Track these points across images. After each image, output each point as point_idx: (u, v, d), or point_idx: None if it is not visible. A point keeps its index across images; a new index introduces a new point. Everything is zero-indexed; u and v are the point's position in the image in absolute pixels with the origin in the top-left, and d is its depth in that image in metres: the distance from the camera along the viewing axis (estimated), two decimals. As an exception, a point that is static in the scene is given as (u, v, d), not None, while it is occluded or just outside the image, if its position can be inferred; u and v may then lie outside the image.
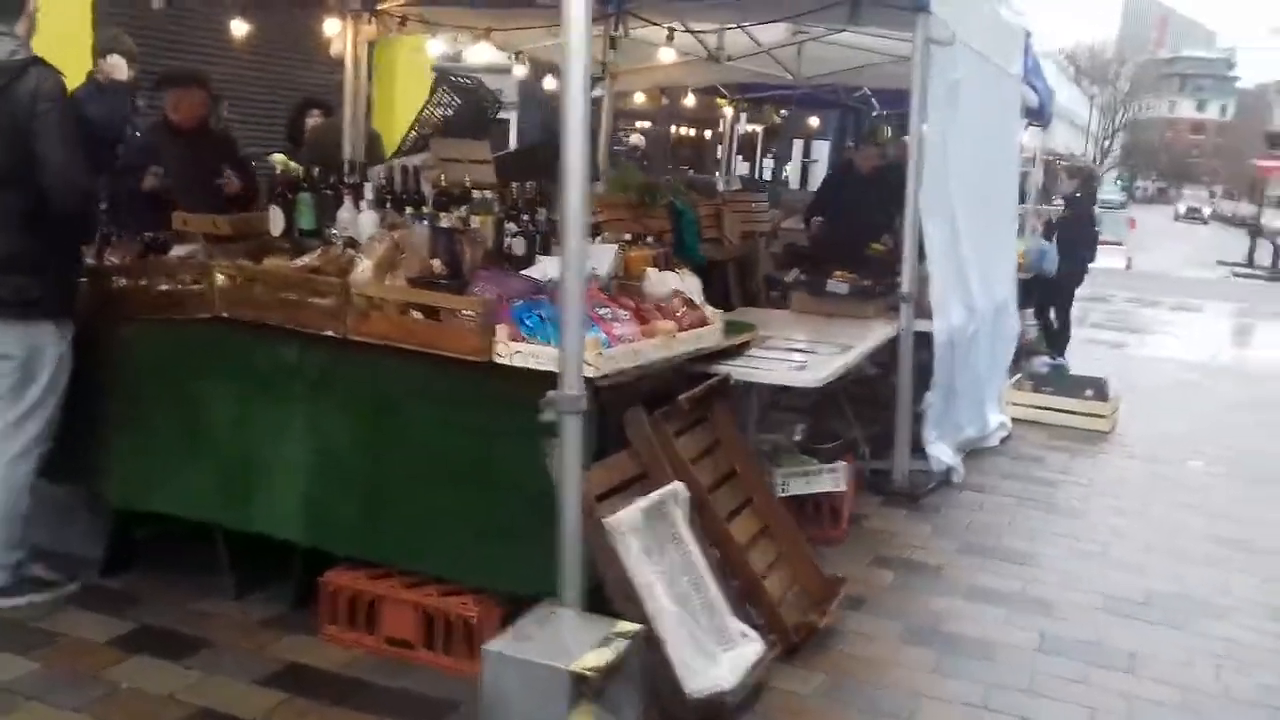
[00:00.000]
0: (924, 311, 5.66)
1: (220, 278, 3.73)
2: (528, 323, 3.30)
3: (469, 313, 3.41)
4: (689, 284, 4.22)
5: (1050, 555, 5.03)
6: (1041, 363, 8.19)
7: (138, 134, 5.50)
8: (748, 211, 9.02)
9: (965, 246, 6.17)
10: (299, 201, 4.63)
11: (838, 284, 5.86)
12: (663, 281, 4.10)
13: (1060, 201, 10.64)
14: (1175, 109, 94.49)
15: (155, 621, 3.74)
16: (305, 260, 4.06)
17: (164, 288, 3.88)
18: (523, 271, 3.90)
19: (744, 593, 3.73)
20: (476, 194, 4.48)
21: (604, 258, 4.03)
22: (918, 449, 5.76)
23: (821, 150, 16.37)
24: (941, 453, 5.95)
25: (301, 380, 3.67)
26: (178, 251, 4.35)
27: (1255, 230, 32.48)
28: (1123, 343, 13.03)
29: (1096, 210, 10.72)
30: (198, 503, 3.84)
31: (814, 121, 13.60)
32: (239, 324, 3.70)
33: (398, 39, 9.24)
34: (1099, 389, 7.77)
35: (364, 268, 3.81)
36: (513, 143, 14.88)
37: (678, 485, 3.58)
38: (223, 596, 3.95)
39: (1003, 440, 6.99)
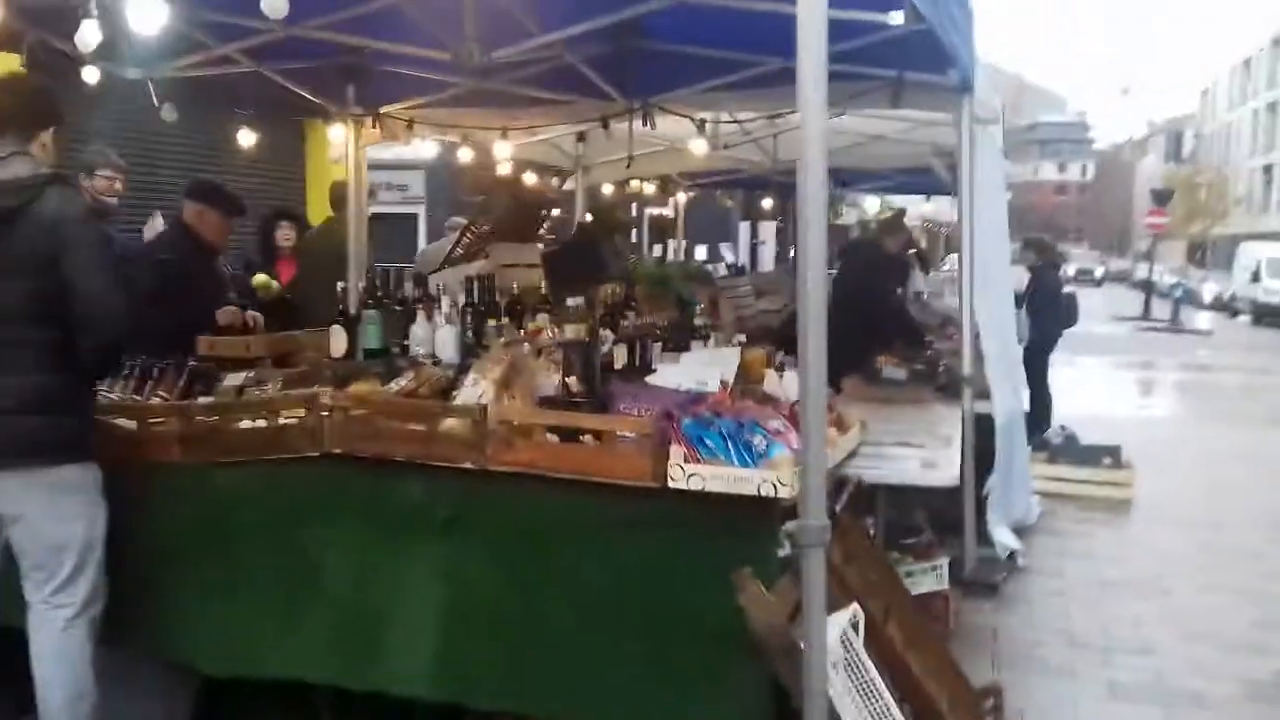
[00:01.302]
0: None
1: (331, 410, 3.36)
2: (708, 443, 3.01)
3: (628, 434, 3.11)
4: (789, 383, 3.98)
5: (1164, 640, 4.87)
6: (1055, 433, 8.15)
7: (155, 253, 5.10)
8: (737, 297, 8.91)
9: (1006, 325, 6.10)
10: (365, 320, 4.29)
11: (893, 369, 5.70)
12: (784, 383, 3.85)
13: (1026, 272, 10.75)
14: (1038, 172, 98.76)
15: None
16: (402, 383, 3.73)
17: (259, 424, 3.48)
18: (651, 381, 3.62)
19: (919, 716, 3.45)
20: (570, 302, 4.18)
21: (730, 362, 3.78)
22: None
23: (769, 231, 16.49)
24: (1006, 537, 5.80)
25: (429, 519, 3.29)
26: (231, 381, 3.97)
27: (1148, 286, 33.85)
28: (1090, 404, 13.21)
29: (1062, 276, 10.87)
30: (309, 664, 3.40)
31: (766, 204, 13.63)
32: (352, 461, 3.33)
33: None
34: (1115, 456, 7.74)
35: (481, 390, 3.49)
36: (422, 240, 14.48)
37: (855, 606, 3.30)
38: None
39: (1039, 517, 6.88)
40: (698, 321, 4.04)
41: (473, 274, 4.63)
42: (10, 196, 3.16)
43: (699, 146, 6.17)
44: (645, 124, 5.67)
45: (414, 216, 15.64)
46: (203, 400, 3.64)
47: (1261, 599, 5.52)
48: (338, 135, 6.21)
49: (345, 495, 3.37)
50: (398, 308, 4.35)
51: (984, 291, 5.60)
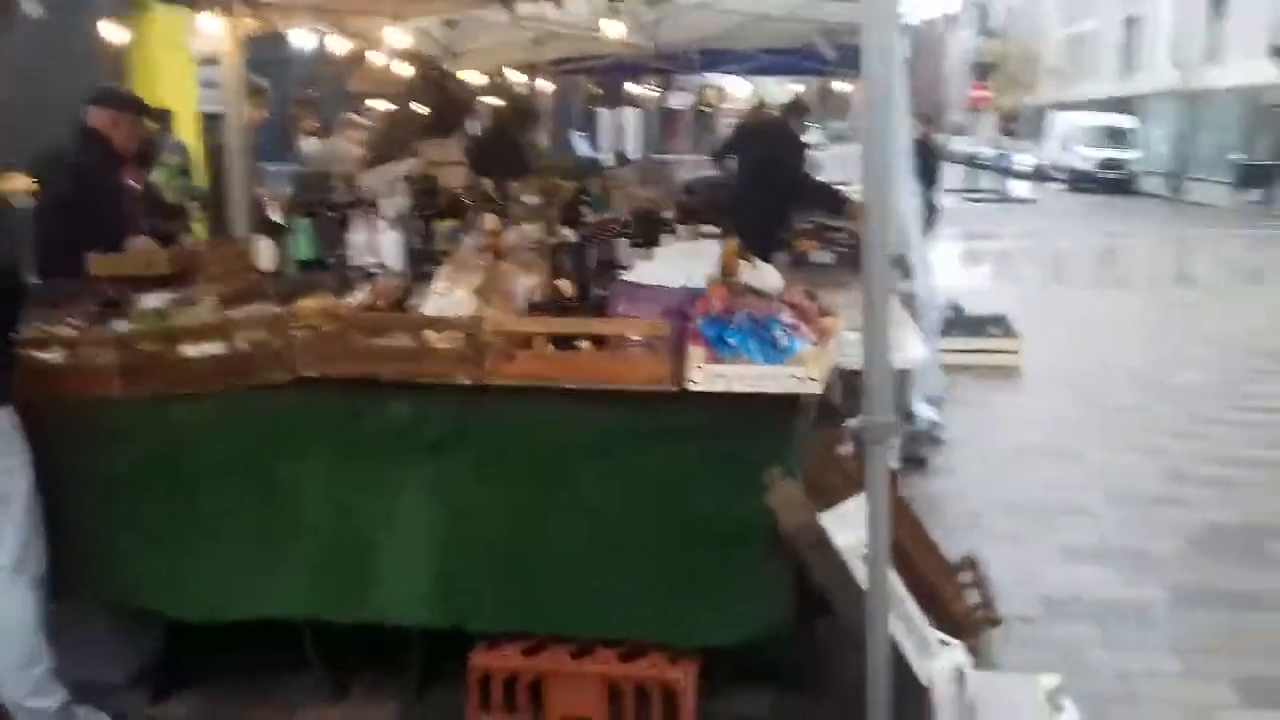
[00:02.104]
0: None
1: (301, 331, 3.07)
2: (729, 341, 2.88)
3: (642, 338, 2.96)
4: (766, 273, 3.88)
5: (1094, 502, 5.09)
6: (944, 306, 8.33)
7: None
8: (622, 186, 8.70)
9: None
10: (296, 229, 3.96)
11: (819, 253, 5.66)
12: (765, 276, 3.73)
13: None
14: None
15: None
16: (359, 297, 3.46)
17: (211, 350, 3.16)
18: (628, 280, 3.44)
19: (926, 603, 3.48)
20: (526, 199, 3.94)
21: (708, 255, 3.61)
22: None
23: (633, 119, 16.13)
24: (926, 411, 5.92)
25: (419, 441, 3.07)
26: (149, 303, 3.60)
27: (970, 159, 35.02)
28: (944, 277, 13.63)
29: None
30: (292, 601, 3.17)
31: (633, 89, 13.30)
32: (327, 385, 3.07)
33: (150, 32, 8.38)
34: (1003, 325, 7.99)
35: (458, 299, 3.26)
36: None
37: (862, 499, 3.27)
38: (322, 702, 3.33)
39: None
40: (665, 214, 3.86)
41: (405, 174, 4.32)
42: None
43: (614, 29, 5.87)
44: (555, 2, 5.33)
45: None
46: (142, 326, 3.27)
47: (1162, 455, 5.82)
48: (210, 26, 5.63)
49: (321, 422, 3.11)
50: (330, 214, 4.02)
51: (895, 171, 5.58)
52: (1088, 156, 33.78)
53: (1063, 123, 36.74)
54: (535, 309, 3.26)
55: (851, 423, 2.53)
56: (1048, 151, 37.31)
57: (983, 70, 32.60)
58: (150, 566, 3.16)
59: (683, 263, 3.54)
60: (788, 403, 2.90)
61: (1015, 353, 7.84)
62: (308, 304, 3.40)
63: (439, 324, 3.03)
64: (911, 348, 4.14)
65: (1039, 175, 37.41)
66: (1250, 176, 29.75)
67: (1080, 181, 33.46)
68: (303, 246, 3.96)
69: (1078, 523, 4.77)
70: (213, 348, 3.18)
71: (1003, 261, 15.61)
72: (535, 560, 3.09)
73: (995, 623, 3.37)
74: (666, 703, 3.06)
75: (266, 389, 3.08)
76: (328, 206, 4.03)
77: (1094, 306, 10.72)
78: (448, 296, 3.30)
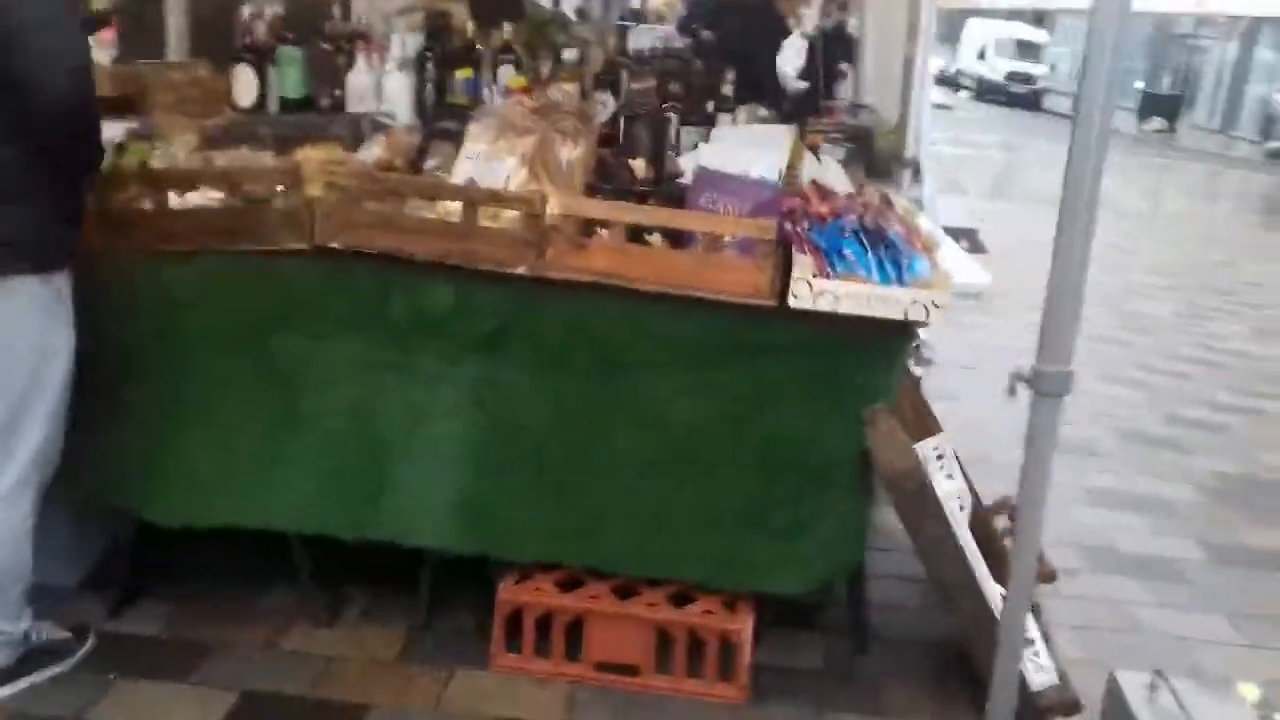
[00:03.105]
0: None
1: (320, 190, 2.53)
2: (846, 254, 2.45)
3: (729, 238, 2.51)
4: (833, 171, 3.44)
5: (1102, 438, 4.91)
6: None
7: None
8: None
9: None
10: (282, 60, 3.34)
11: (831, 147, 5.20)
12: (831, 173, 3.29)
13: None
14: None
15: (255, 683, 2.63)
16: (374, 152, 2.92)
17: (208, 201, 2.60)
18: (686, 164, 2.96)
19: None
20: (567, 55, 3.38)
21: (779, 143, 3.13)
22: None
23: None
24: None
25: (460, 336, 2.60)
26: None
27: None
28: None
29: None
30: (292, 511, 2.71)
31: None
32: (352, 258, 2.55)
33: None
34: (973, 239, 7.71)
35: (506, 169, 2.75)
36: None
37: (939, 437, 2.93)
38: (311, 623, 2.89)
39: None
40: (725, 90, 3.36)
41: (406, 5, 3.70)
42: None
43: None
44: None
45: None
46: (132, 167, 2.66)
47: (1149, 390, 5.69)
48: None
49: (342, 302, 2.60)
50: (325, 45, 3.39)
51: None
52: (997, 67, 33.76)
53: (977, 31, 36.55)
54: (595, 190, 2.76)
55: (1023, 371, 2.15)
56: (961, 59, 37.17)
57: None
58: (123, 458, 2.64)
59: (747, 149, 3.07)
60: (897, 330, 2.51)
61: (987, 268, 7.58)
62: (311, 154, 2.85)
63: (504, 199, 2.52)
64: (977, 271, 3.78)
65: (950, 82, 37.35)
66: (1154, 105, 30.23)
67: (988, 92, 33.48)
68: (291, 82, 3.34)
69: (1091, 462, 4.56)
70: (206, 199, 2.63)
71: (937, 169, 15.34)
72: (584, 484, 2.67)
73: (1051, 577, 3.11)
74: (721, 652, 2.71)
75: (276, 256, 2.54)
76: (324, 36, 3.39)
77: (1035, 224, 10.56)
78: (490, 163, 2.78)
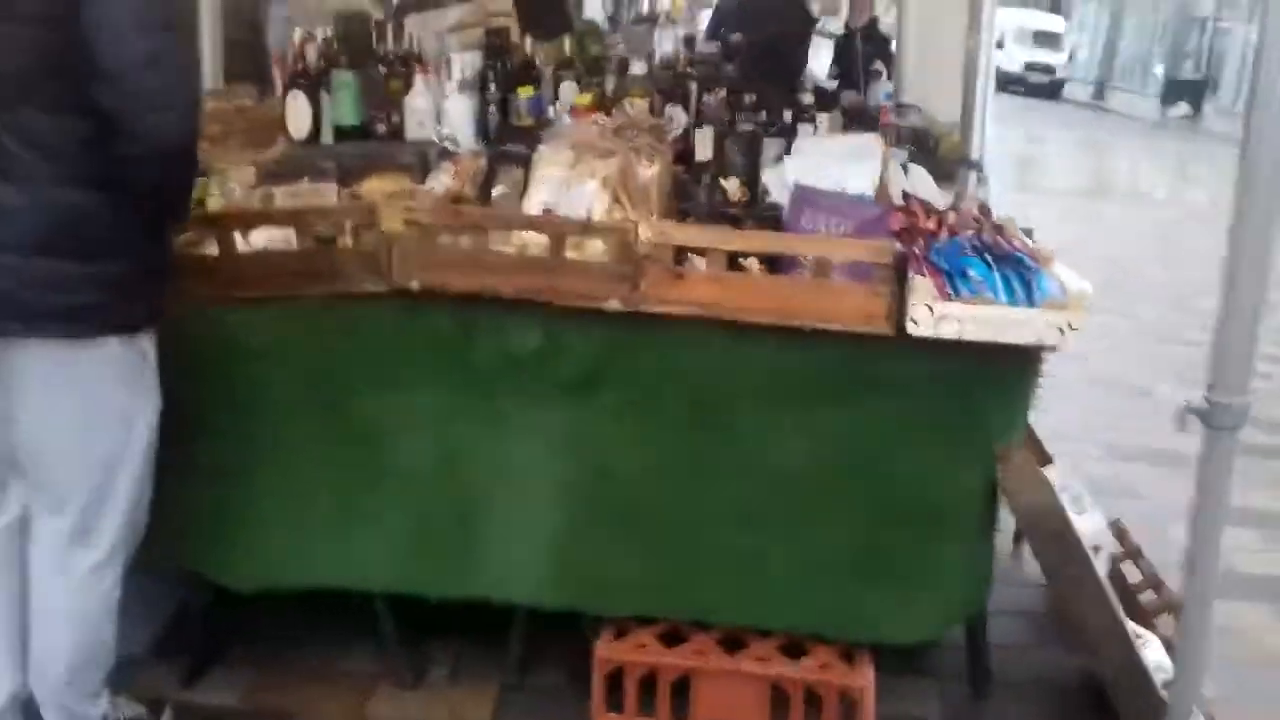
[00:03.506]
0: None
1: (398, 225, 2.35)
2: (971, 274, 2.25)
3: (837, 261, 2.32)
4: (921, 182, 3.24)
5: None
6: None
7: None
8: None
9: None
10: (336, 85, 3.16)
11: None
12: (921, 184, 3.10)
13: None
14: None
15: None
16: (444, 180, 2.74)
17: (271, 242, 2.43)
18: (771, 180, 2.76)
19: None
20: (635, 68, 3.20)
21: (871, 154, 2.93)
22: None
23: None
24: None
25: (549, 379, 2.41)
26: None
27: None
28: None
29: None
30: (374, 570, 2.53)
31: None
32: (431, 300, 2.37)
33: None
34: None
35: (584, 191, 2.57)
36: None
37: (1062, 468, 2.74)
38: (397, 685, 2.71)
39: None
40: (804, 99, 3.17)
41: (458, 22, 3.53)
42: None
43: None
44: None
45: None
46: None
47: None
48: None
49: (424, 347, 2.42)
50: (380, 69, 3.22)
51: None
52: (1015, 57, 33.38)
53: (997, 19, 36.09)
54: (683, 214, 2.58)
55: (1192, 402, 1.95)
56: (977, 49, 36.68)
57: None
58: (194, 520, 2.46)
59: (837, 162, 2.87)
60: (1027, 357, 2.31)
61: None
62: (378, 186, 2.68)
63: (596, 229, 2.34)
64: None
65: (965, 74, 36.86)
66: (1178, 90, 29.82)
67: (1007, 84, 33.13)
68: (346, 109, 3.16)
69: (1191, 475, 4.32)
70: (271, 240, 2.45)
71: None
72: (684, 533, 2.49)
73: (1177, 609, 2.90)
74: (840, 708, 2.51)
75: (349, 300, 2.36)
76: (375, 59, 3.21)
77: (1082, 215, 10.35)
78: (569, 189, 2.60)
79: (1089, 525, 2.48)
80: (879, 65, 5.89)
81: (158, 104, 1.85)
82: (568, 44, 3.47)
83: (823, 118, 3.17)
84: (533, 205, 2.60)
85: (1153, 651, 2.52)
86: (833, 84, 6.38)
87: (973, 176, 4.83)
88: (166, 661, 2.69)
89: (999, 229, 2.51)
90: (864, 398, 2.36)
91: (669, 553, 2.49)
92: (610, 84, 3.33)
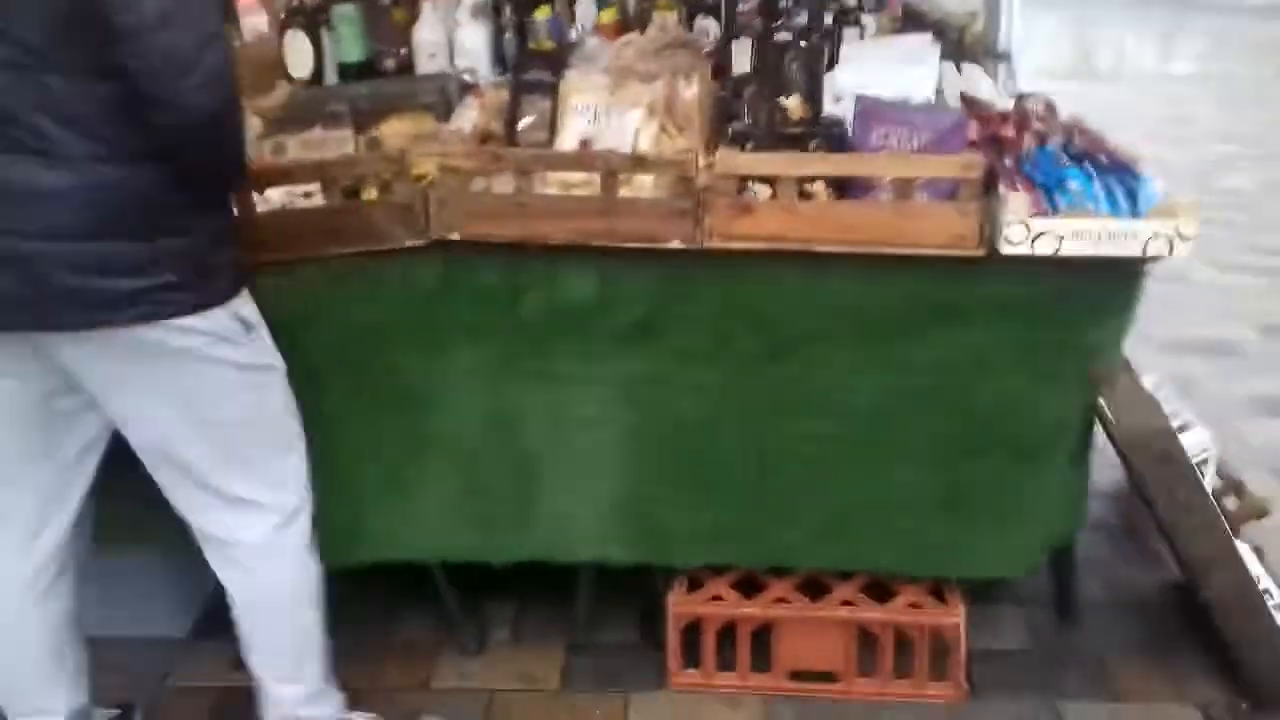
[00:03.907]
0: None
1: (432, 171, 2.14)
2: (1070, 185, 2.06)
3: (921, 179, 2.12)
4: (980, 82, 3.01)
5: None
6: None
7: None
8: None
9: None
10: (337, 20, 2.92)
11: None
12: (978, 84, 2.87)
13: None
14: None
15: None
16: (471, 117, 2.52)
17: (299, 200, 2.22)
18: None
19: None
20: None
21: (928, 58, 2.69)
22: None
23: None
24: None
25: (607, 328, 2.23)
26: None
27: None
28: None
29: None
30: (432, 539, 2.39)
31: None
32: (474, 251, 2.17)
33: None
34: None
35: (628, 120, 2.36)
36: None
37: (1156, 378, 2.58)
38: (460, 654, 2.59)
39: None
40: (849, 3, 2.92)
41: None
42: None
43: None
44: None
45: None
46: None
47: (1272, 273, 5.27)
48: None
49: (468, 303, 2.22)
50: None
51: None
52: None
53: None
54: (741, 137, 2.37)
55: None
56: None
57: None
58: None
59: (892, 69, 2.64)
60: (1131, 271, 2.13)
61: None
62: (399, 128, 2.47)
63: (654, 164, 2.13)
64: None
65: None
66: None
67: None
68: (349, 44, 2.92)
69: (1242, 366, 4.16)
70: (290, 196, 2.25)
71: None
72: (757, 478, 2.33)
73: (1263, 512, 2.75)
74: (935, 652, 2.40)
75: (385, 256, 2.16)
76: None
77: (1089, 100, 10.02)
78: (609, 119, 2.39)
79: (1194, 442, 2.32)
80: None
81: (176, 67, 1.61)
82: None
83: (868, 20, 2.93)
84: (568, 138, 2.40)
85: (1250, 565, 2.39)
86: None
87: (1002, 68, 4.57)
88: (214, 643, 2.56)
89: (1084, 132, 2.30)
90: (952, 325, 2.18)
91: (742, 499, 2.34)
92: (632, -1, 3.08)
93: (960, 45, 4.15)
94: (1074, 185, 2.04)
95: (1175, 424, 2.30)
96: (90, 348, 1.77)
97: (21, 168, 1.64)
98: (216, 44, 1.67)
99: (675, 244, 2.13)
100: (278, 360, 2.00)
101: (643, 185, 2.23)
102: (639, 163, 2.14)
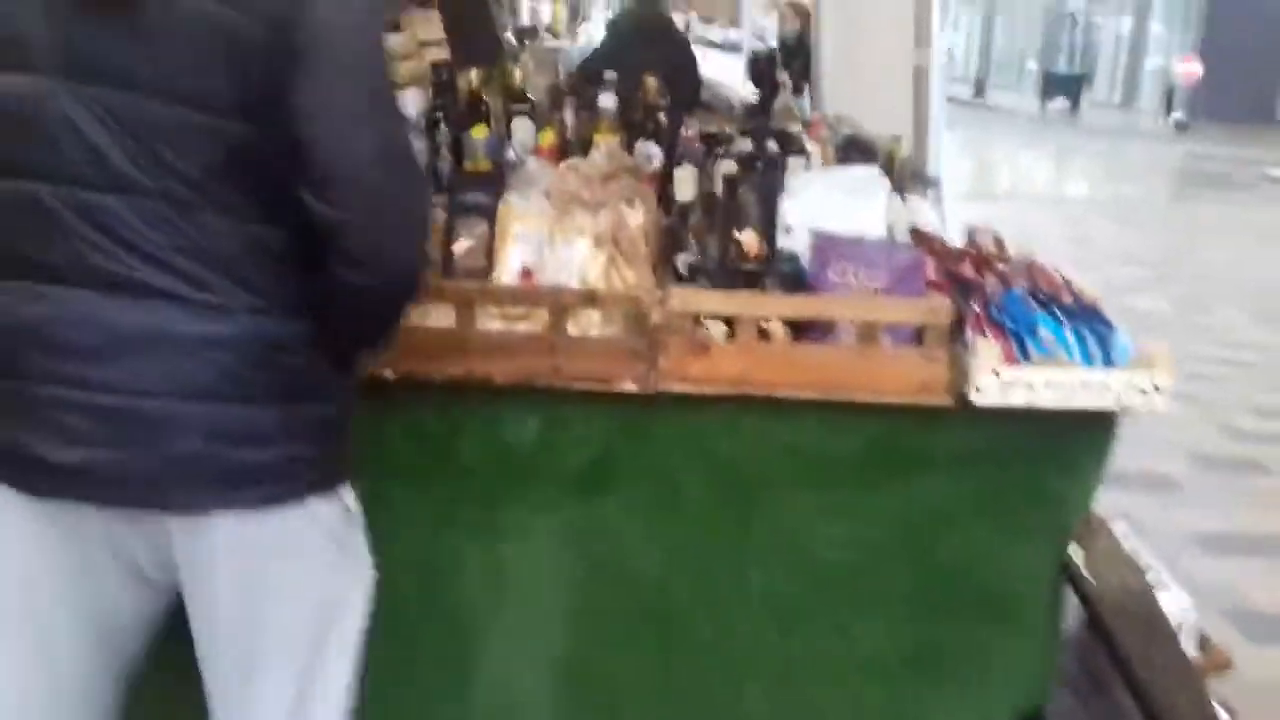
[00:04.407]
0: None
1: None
2: (1041, 333, 1.97)
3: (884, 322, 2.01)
4: (919, 210, 2.96)
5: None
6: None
7: None
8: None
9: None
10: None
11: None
12: (918, 212, 2.82)
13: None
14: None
15: None
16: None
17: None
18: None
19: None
20: (604, 101, 2.85)
21: (872, 190, 2.63)
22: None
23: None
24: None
25: (552, 475, 2.06)
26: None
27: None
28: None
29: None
30: (360, 709, 2.13)
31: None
32: (409, 388, 1.99)
33: None
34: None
35: (576, 252, 2.23)
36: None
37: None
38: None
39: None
40: (793, 129, 2.87)
41: (396, 56, 3.14)
42: None
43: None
44: None
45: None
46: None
47: (1192, 399, 5.32)
48: None
49: (403, 446, 2.03)
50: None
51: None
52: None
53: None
54: (691, 270, 2.25)
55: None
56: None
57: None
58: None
59: (838, 200, 2.56)
60: (1103, 423, 2.04)
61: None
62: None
63: (605, 300, 1.99)
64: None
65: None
66: (1054, 86, 30.62)
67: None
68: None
69: (1177, 500, 4.16)
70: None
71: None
72: (714, 637, 2.16)
73: (1226, 664, 2.67)
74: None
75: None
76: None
77: (990, 217, 10.30)
78: (556, 248, 2.25)
79: (1173, 604, 2.22)
80: (783, 78, 5.63)
81: (388, 221, 1.42)
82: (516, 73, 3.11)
83: (813, 148, 2.87)
84: (509, 266, 2.25)
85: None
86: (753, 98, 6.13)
87: (931, 193, 4.58)
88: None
89: (1042, 271, 2.24)
90: (916, 475, 2.06)
91: (697, 661, 2.16)
92: (569, 117, 2.98)
93: (890, 170, 4.14)
94: (1045, 333, 1.96)
95: (1148, 578, 2.20)
96: (195, 527, 1.47)
97: (163, 314, 1.39)
98: (427, 192, 1.49)
99: (628, 386, 1.98)
100: (369, 567, 1.68)
101: (590, 322, 2.09)
102: (591, 299, 2.00)
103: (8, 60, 1.36)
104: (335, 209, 1.39)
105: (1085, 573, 2.08)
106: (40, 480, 1.44)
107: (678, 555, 2.10)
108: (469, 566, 2.09)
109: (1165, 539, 3.71)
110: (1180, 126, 24.53)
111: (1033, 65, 35.89)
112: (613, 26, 7.38)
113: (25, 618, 1.51)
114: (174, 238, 1.38)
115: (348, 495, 1.61)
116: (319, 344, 1.49)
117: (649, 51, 6.13)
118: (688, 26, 10.24)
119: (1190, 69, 23.95)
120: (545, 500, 2.06)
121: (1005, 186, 15.02)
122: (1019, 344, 1.97)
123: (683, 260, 2.31)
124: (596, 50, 6.63)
